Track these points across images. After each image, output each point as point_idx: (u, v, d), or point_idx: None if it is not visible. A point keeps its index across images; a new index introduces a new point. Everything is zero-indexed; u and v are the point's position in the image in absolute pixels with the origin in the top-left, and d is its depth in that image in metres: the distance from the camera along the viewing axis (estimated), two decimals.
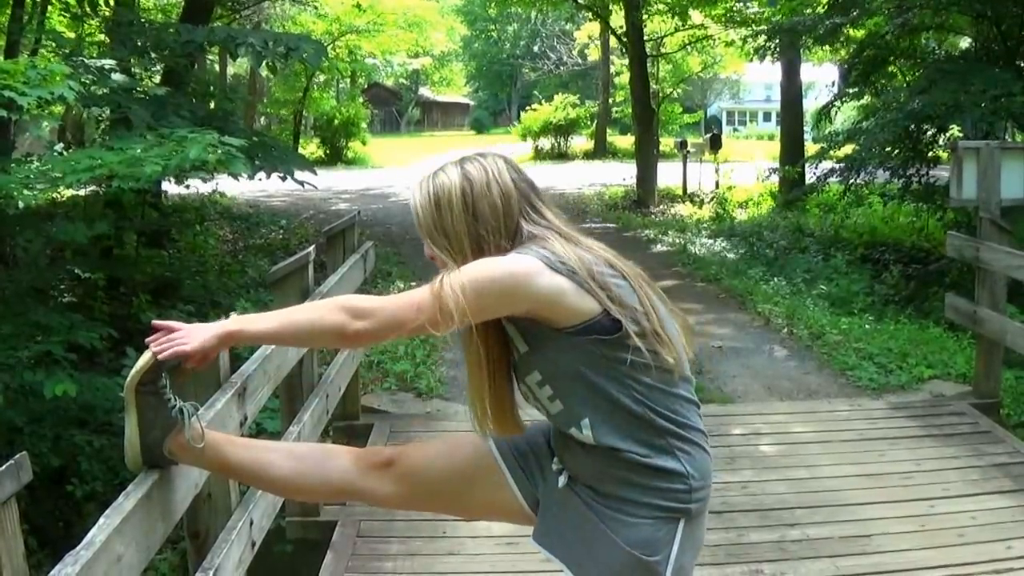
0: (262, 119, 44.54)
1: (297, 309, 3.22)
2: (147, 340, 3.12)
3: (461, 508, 3.72)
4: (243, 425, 4.33)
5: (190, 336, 3.08)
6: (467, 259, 3.04)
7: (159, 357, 3.06)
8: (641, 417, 3.04)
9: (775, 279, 14.92)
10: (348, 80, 51.90)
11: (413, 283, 14.14)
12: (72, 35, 14.79)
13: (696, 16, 29.06)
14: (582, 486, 3.19)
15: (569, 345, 3.00)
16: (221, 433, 3.59)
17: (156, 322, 3.17)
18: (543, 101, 49.74)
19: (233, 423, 4.16)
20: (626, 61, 33.25)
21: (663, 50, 34.93)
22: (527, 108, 52.28)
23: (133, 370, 3.14)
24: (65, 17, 15.63)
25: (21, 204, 9.07)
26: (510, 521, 3.60)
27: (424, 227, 3.13)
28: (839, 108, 21.12)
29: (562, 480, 3.25)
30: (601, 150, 46.93)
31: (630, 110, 34.70)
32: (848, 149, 17.66)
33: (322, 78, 43.39)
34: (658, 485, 3.06)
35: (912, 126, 15.68)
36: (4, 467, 2.63)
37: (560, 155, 45.30)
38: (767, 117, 71.52)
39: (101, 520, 2.91)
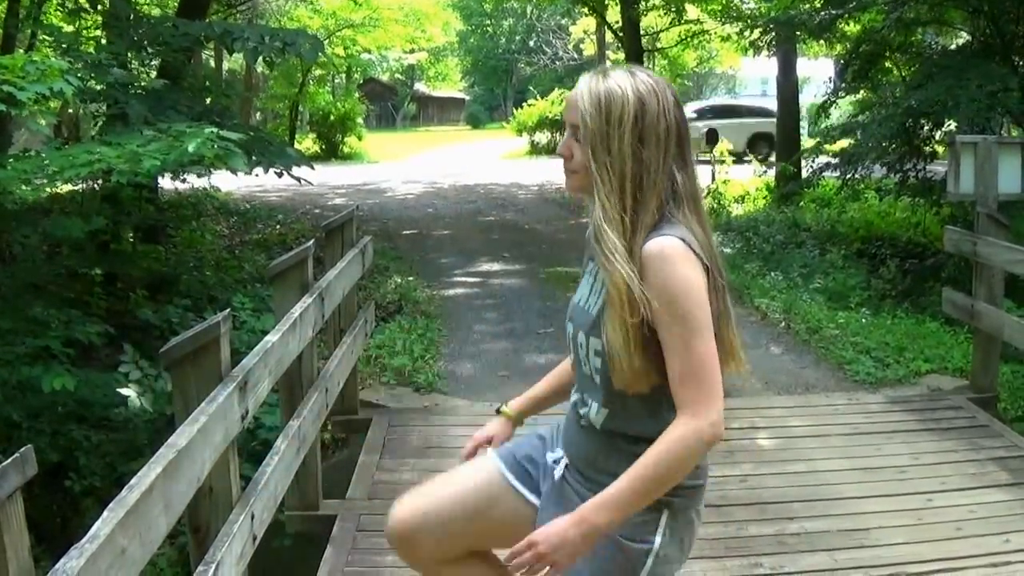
0: (258, 114, 44.53)
1: (643, 465, 2.94)
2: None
3: (489, 537, 3.59)
4: (244, 419, 4.34)
5: (550, 545, 2.93)
6: (622, 193, 2.91)
7: None
8: (660, 415, 3.00)
9: (772, 274, 14.90)
10: (344, 75, 51.85)
11: (410, 278, 14.17)
12: (69, 29, 14.77)
13: (692, 11, 29.05)
14: (574, 471, 3.20)
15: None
16: None
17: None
18: (539, 96, 49.68)
19: (234, 417, 4.17)
20: (622, 56, 33.23)
21: (659, 45, 34.92)
22: (523, 103, 52.24)
23: None
24: (62, 11, 15.62)
25: (19, 198, 9.09)
26: None
27: (589, 136, 2.96)
28: (836, 104, 21.14)
29: (558, 472, 3.26)
30: None
31: None
32: (844, 143, 17.66)
33: (318, 73, 43.35)
34: None
35: (908, 121, 15.68)
36: (9, 460, 2.64)
37: (556, 150, 45.22)
38: None
39: (105, 513, 2.92)
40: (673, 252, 2.87)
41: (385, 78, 67.31)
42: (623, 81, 2.95)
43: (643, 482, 2.90)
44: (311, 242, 6.68)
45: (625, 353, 2.92)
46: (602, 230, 2.92)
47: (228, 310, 4.59)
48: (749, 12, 26.27)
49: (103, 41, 12.82)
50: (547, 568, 2.94)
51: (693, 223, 2.95)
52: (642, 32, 29.49)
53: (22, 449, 2.67)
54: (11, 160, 8.94)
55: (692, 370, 2.86)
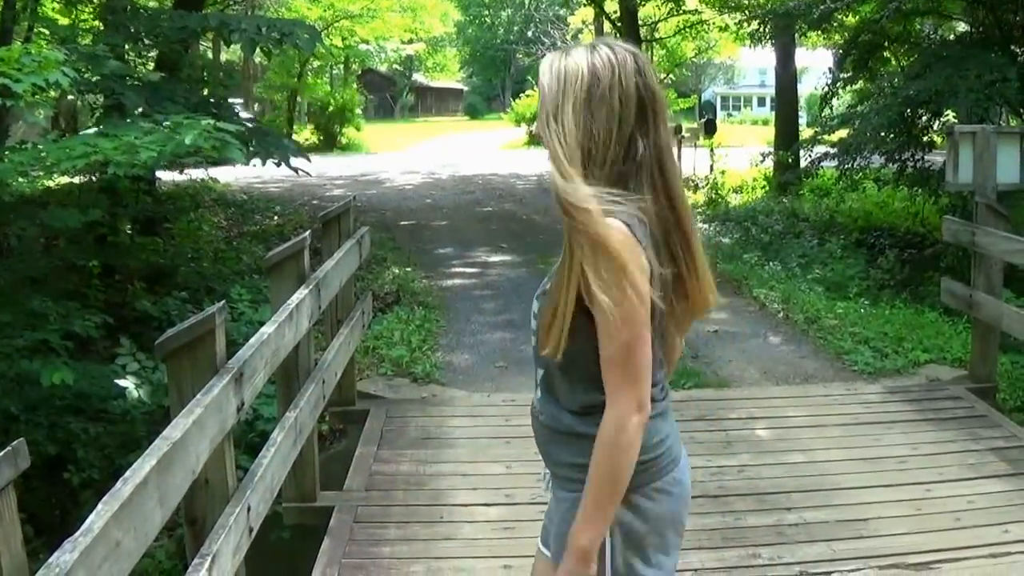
0: (256, 105, 44.53)
1: (596, 467, 3.01)
2: None
3: None
4: (240, 411, 4.33)
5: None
6: (572, 162, 2.93)
7: None
8: (575, 386, 3.09)
9: (770, 264, 14.91)
10: (342, 66, 51.87)
11: (408, 268, 14.16)
12: (66, 21, 14.77)
13: (690, 1, 29.04)
14: (551, 476, 3.28)
15: None
16: None
17: None
18: (536, 86, 49.76)
19: (230, 409, 4.16)
20: None
21: (657, 35, 34.91)
22: (521, 93, 52.29)
23: None
24: (58, 3, 15.60)
25: (16, 190, 9.08)
26: None
27: (544, 106, 3.03)
28: (836, 95, 21.14)
29: (545, 484, 3.35)
30: None
31: None
32: (842, 133, 17.66)
33: (316, 64, 43.40)
34: (576, 461, 3.09)
35: (907, 111, 15.66)
36: (2, 453, 2.63)
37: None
38: (761, 102, 71.33)
39: (99, 506, 2.91)
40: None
41: (383, 69, 67.35)
42: (580, 56, 3.01)
43: (598, 490, 2.97)
44: (307, 233, 6.65)
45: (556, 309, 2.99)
46: (557, 186, 2.94)
47: (223, 301, 4.57)
48: (748, 3, 26.26)
49: (100, 33, 12.79)
50: None
51: (650, 192, 2.98)
52: (640, 22, 29.48)
53: (14, 442, 2.66)
54: (8, 152, 8.92)
55: (617, 356, 2.91)
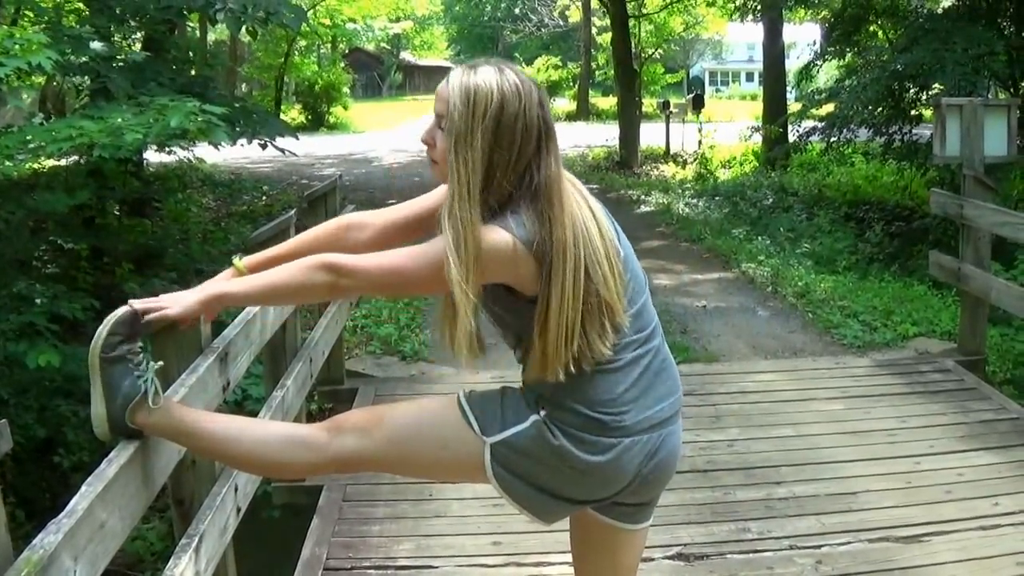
0: (243, 85, 44.45)
1: (280, 270, 3.21)
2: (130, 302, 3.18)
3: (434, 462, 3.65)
4: (225, 391, 4.32)
5: (174, 301, 3.18)
6: (471, 185, 2.98)
7: (147, 318, 3.17)
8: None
9: (759, 238, 14.94)
10: (329, 46, 51.77)
11: None
12: (49, 4, 14.70)
13: None
14: None
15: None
16: (190, 408, 3.51)
17: (134, 301, 3.21)
18: (525, 63, 49.69)
19: (215, 388, 4.15)
20: (607, 22, 33.17)
21: (644, 10, 34.86)
22: None
23: (99, 331, 3.16)
24: None
25: (2, 175, 9.05)
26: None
27: (452, 128, 3.01)
28: (820, 67, 21.17)
29: None
30: (584, 112, 46.93)
31: (612, 72, 34.64)
32: (830, 107, 17.68)
33: (303, 44, 43.31)
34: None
35: (894, 85, 15.68)
36: None
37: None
38: (750, 77, 71.36)
39: (83, 487, 2.90)
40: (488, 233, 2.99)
41: (371, 48, 67.23)
42: (490, 78, 3.01)
43: (278, 291, 3.29)
44: (292, 212, 6.64)
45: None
46: (452, 212, 3.00)
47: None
48: None
49: (84, 15, 12.73)
50: None
51: (537, 217, 3.01)
52: None
53: None
54: None
55: (399, 258, 3.23)
